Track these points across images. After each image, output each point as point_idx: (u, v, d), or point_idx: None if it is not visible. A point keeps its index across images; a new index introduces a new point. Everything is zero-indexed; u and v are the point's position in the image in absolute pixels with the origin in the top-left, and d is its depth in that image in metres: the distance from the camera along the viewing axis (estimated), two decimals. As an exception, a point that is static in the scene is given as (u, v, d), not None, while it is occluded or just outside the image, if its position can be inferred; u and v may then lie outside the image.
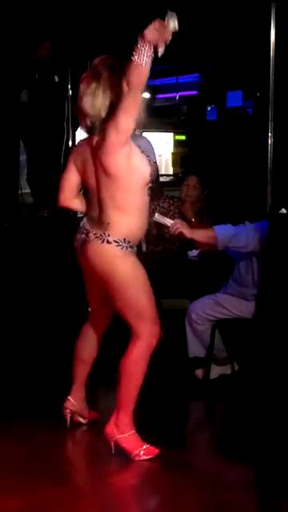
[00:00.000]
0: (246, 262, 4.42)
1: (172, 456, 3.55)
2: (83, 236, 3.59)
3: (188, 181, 5.34)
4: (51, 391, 4.36)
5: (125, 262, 3.48)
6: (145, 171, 3.49)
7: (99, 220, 3.53)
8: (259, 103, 8.48)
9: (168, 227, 4.28)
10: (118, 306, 3.54)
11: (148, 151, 5.58)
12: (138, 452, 3.46)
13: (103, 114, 3.46)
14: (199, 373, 4.65)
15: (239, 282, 4.47)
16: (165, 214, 4.70)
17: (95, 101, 3.45)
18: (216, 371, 4.64)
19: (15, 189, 6.81)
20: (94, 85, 3.46)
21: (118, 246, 3.46)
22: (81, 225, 3.68)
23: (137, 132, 5.78)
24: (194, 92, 10.00)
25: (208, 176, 5.53)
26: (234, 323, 4.56)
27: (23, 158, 7.07)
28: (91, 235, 3.52)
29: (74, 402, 3.87)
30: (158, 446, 3.67)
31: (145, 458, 3.45)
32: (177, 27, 3.20)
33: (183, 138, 9.55)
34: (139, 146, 5.74)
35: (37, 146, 7.08)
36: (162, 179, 7.15)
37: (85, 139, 3.65)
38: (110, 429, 3.50)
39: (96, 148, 3.52)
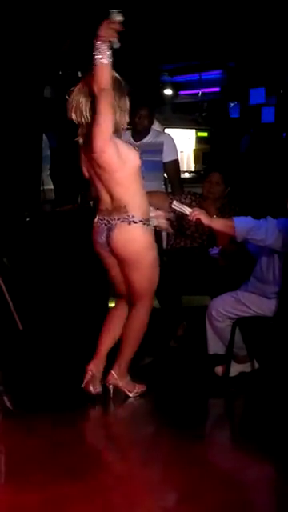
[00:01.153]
0: (268, 259, 4.40)
1: (191, 453, 3.55)
2: (104, 226, 3.98)
3: (210, 177, 5.32)
4: (73, 387, 4.37)
5: (148, 240, 3.95)
6: (133, 158, 3.88)
7: (114, 207, 3.93)
8: (282, 100, 8.46)
9: (187, 215, 4.32)
10: (134, 278, 4.00)
11: (170, 147, 5.64)
12: (135, 390, 4.17)
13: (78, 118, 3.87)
14: (219, 370, 4.64)
15: (260, 279, 4.46)
16: None
17: (70, 106, 3.91)
18: (236, 369, 4.62)
19: (37, 184, 6.84)
20: (74, 92, 3.93)
21: (143, 224, 3.92)
22: (96, 221, 4.04)
23: (159, 128, 5.82)
24: (217, 89, 10.00)
25: (231, 173, 5.51)
26: (255, 321, 4.54)
27: (46, 154, 7.10)
28: (116, 222, 3.92)
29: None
30: (177, 442, 3.68)
31: (138, 394, 4.18)
32: (121, 18, 3.67)
33: (205, 134, 9.53)
34: (162, 143, 5.77)
35: (60, 142, 7.11)
36: (183, 176, 7.15)
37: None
38: (112, 376, 4.15)
39: (87, 149, 3.89)
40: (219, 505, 3.07)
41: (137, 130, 5.57)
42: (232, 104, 9.42)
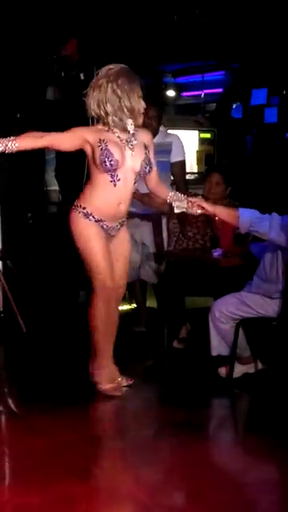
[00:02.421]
0: (272, 257, 4.39)
1: (194, 454, 3.56)
2: None
3: (210, 178, 5.32)
4: (78, 388, 4.38)
5: (76, 227, 4.12)
6: (99, 163, 4.07)
7: None
8: (285, 101, 8.46)
9: (186, 208, 4.28)
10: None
11: (178, 148, 5.64)
12: (102, 386, 4.23)
13: None
14: (222, 371, 4.64)
15: (264, 278, 4.44)
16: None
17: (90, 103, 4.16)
18: (239, 370, 4.62)
19: (41, 186, 6.85)
20: (90, 91, 4.19)
21: (76, 210, 4.12)
22: None
23: (163, 129, 5.81)
24: (220, 90, 9.98)
25: (232, 173, 5.49)
26: (258, 322, 4.54)
27: (50, 156, 7.10)
28: None
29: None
30: (180, 442, 3.68)
31: (107, 392, 4.20)
32: None
33: (208, 136, 9.52)
34: (171, 143, 5.80)
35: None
36: (186, 177, 7.13)
37: None
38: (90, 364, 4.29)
39: None
40: (222, 505, 3.07)
41: None
42: (235, 105, 9.40)
